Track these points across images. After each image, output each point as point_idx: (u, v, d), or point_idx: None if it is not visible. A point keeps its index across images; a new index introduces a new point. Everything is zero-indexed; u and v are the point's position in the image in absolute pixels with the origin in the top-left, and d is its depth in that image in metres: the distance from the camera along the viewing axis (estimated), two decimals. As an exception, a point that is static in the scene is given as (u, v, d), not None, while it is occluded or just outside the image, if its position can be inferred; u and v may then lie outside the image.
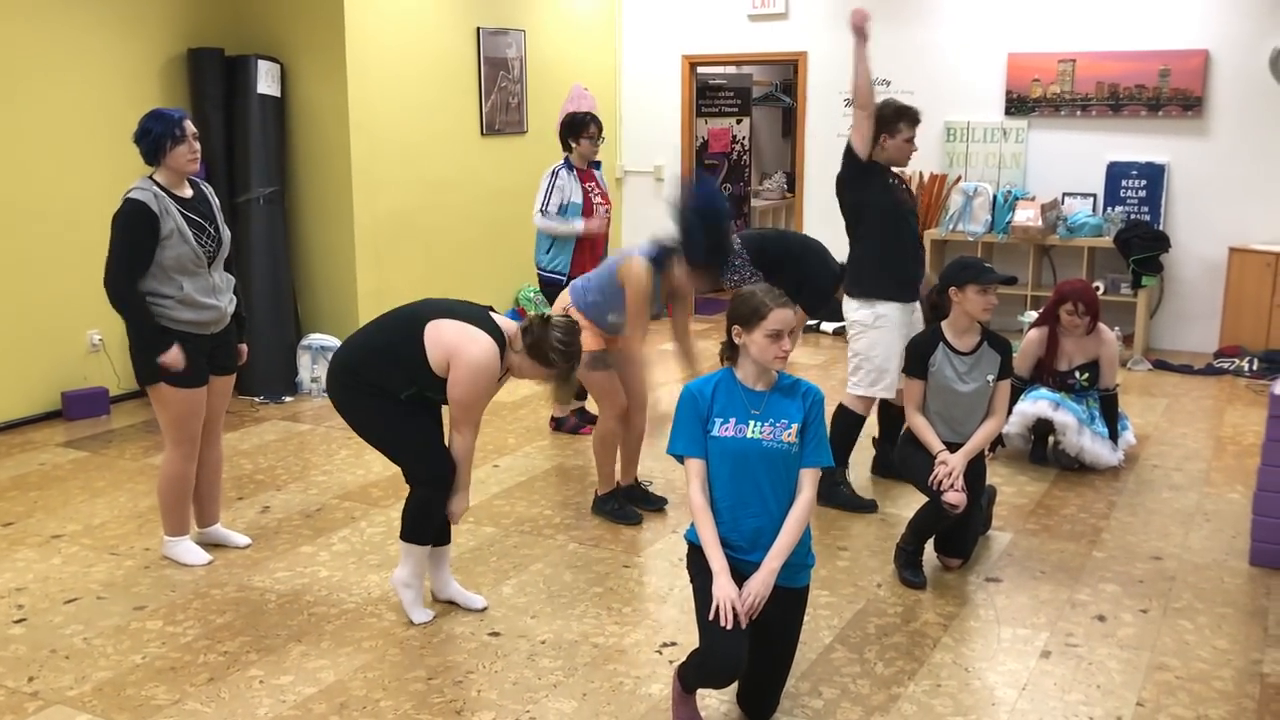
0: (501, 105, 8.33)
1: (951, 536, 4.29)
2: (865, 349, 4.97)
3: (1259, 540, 4.39)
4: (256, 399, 6.80)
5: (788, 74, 11.49)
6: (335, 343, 6.95)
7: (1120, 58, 7.98)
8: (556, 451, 5.89)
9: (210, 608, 4.02)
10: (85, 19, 6.34)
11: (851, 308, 5.06)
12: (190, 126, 4.14)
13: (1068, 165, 8.26)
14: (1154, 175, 7.98)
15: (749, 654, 3.09)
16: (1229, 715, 3.31)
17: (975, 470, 4.24)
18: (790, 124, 11.54)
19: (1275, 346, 7.52)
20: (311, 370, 6.98)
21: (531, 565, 4.40)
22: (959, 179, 8.51)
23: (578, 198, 5.98)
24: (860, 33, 4.79)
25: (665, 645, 3.73)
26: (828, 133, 9.06)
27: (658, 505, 4.98)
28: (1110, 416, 5.53)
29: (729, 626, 2.95)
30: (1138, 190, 8.04)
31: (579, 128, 6.04)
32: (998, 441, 5.60)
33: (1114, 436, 5.52)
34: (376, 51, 7.22)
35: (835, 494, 4.98)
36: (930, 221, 8.49)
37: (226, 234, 4.32)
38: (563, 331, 3.72)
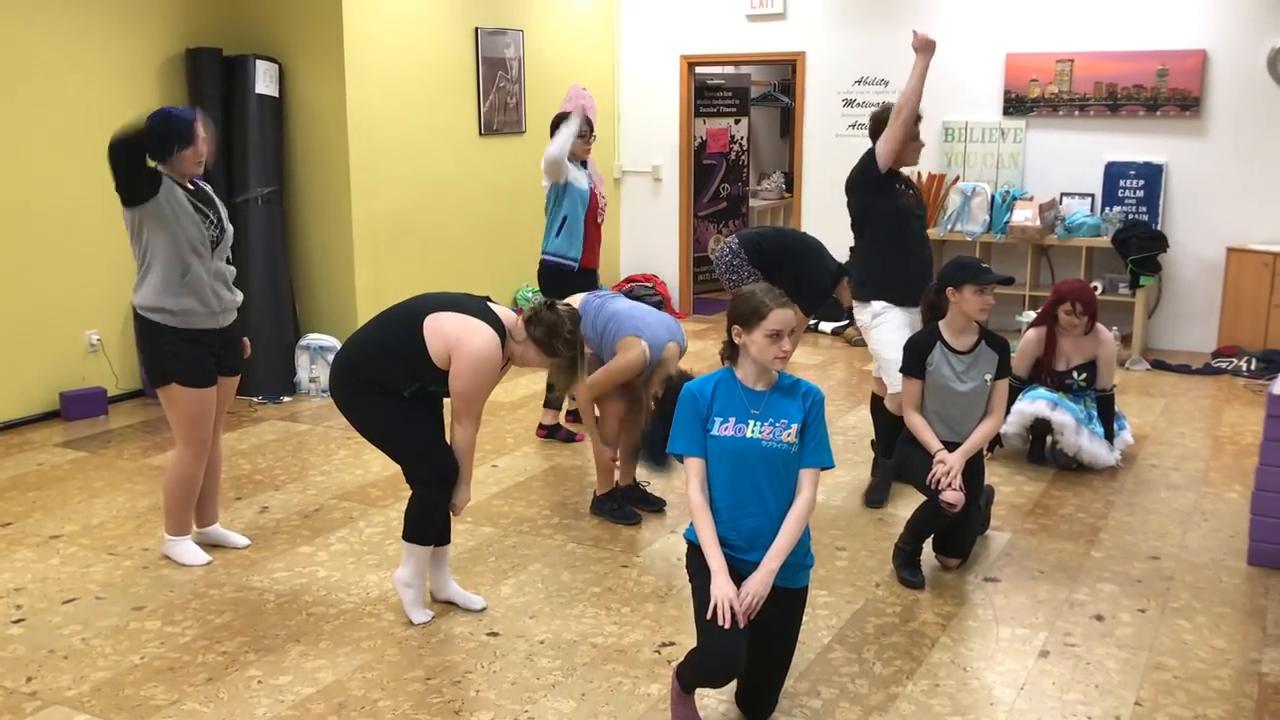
0: (500, 105, 8.33)
1: (950, 536, 4.29)
2: (876, 348, 5.01)
3: (1257, 540, 4.39)
4: (255, 399, 6.79)
5: (786, 74, 11.50)
6: (334, 343, 6.95)
7: (1118, 58, 7.98)
8: (555, 451, 5.89)
9: (209, 608, 4.02)
10: (84, 19, 6.33)
11: (855, 310, 5.15)
12: (200, 129, 4.15)
13: (1066, 165, 8.27)
14: (1152, 175, 7.99)
15: (747, 654, 3.10)
16: (1227, 715, 3.31)
17: (973, 470, 4.24)
18: (788, 124, 11.54)
19: (1273, 346, 7.53)
20: (310, 370, 6.98)
21: (530, 565, 4.40)
22: (957, 179, 8.51)
23: (584, 185, 5.96)
24: (928, 48, 4.80)
25: (664, 645, 3.73)
26: (826, 133, 9.06)
27: (656, 506, 4.98)
28: (1107, 417, 5.54)
29: (726, 626, 2.95)
30: (1136, 190, 8.05)
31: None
32: (996, 441, 5.60)
33: (1110, 437, 5.52)
34: (375, 51, 7.22)
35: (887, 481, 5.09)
36: (928, 222, 8.48)
37: (229, 224, 4.35)
38: (572, 320, 3.74)
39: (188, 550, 4.40)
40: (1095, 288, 7.86)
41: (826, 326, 8.87)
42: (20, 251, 6.19)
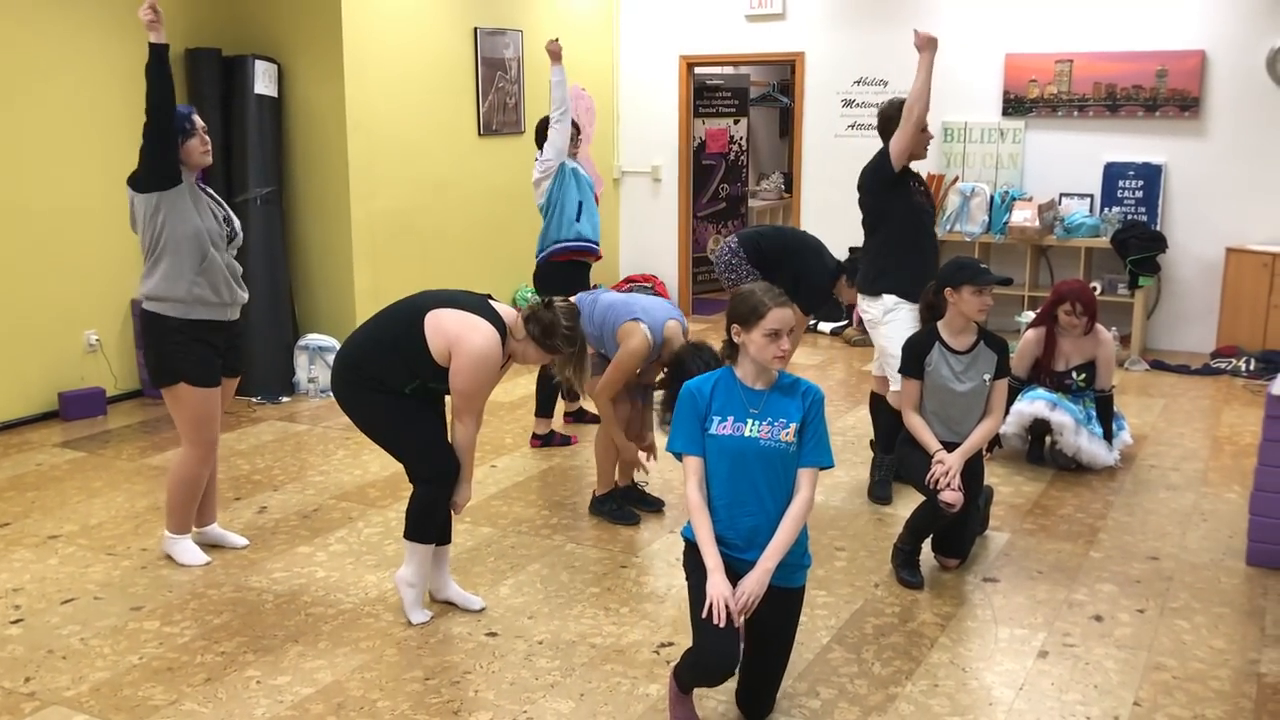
0: (499, 105, 8.33)
1: (949, 536, 4.29)
2: (883, 344, 5.01)
3: (1256, 540, 4.39)
4: (254, 399, 6.79)
5: (785, 74, 11.50)
6: (333, 343, 6.95)
7: (1117, 58, 7.99)
8: (553, 452, 5.89)
9: (207, 608, 4.02)
10: (82, 19, 6.34)
11: (864, 304, 5.14)
12: (199, 121, 4.17)
13: (1065, 166, 8.27)
14: (1151, 176, 7.99)
15: (745, 654, 3.09)
16: (1226, 715, 3.31)
17: (973, 470, 4.24)
18: (788, 124, 11.54)
19: (1272, 346, 7.53)
20: (309, 370, 6.98)
21: (529, 566, 4.40)
22: (956, 179, 8.51)
23: (583, 170, 5.94)
24: (930, 46, 4.84)
25: (663, 645, 3.73)
26: (825, 133, 9.07)
27: (655, 506, 4.97)
28: (1106, 417, 5.54)
29: (722, 625, 2.95)
30: (1135, 191, 8.05)
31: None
32: (995, 441, 5.60)
33: (1109, 437, 5.52)
34: (374, 52, 7.22)
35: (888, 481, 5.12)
36: (929, 222, 8.50)
37: (238, 221, 4.39)
38: (566, 316, 3.73)
39: (188, 550, 4.40)
40: (1094, 288, 7.86)
41: (825, 327, 8.87)
42: (19, 252, 6.19)
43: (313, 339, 7.05)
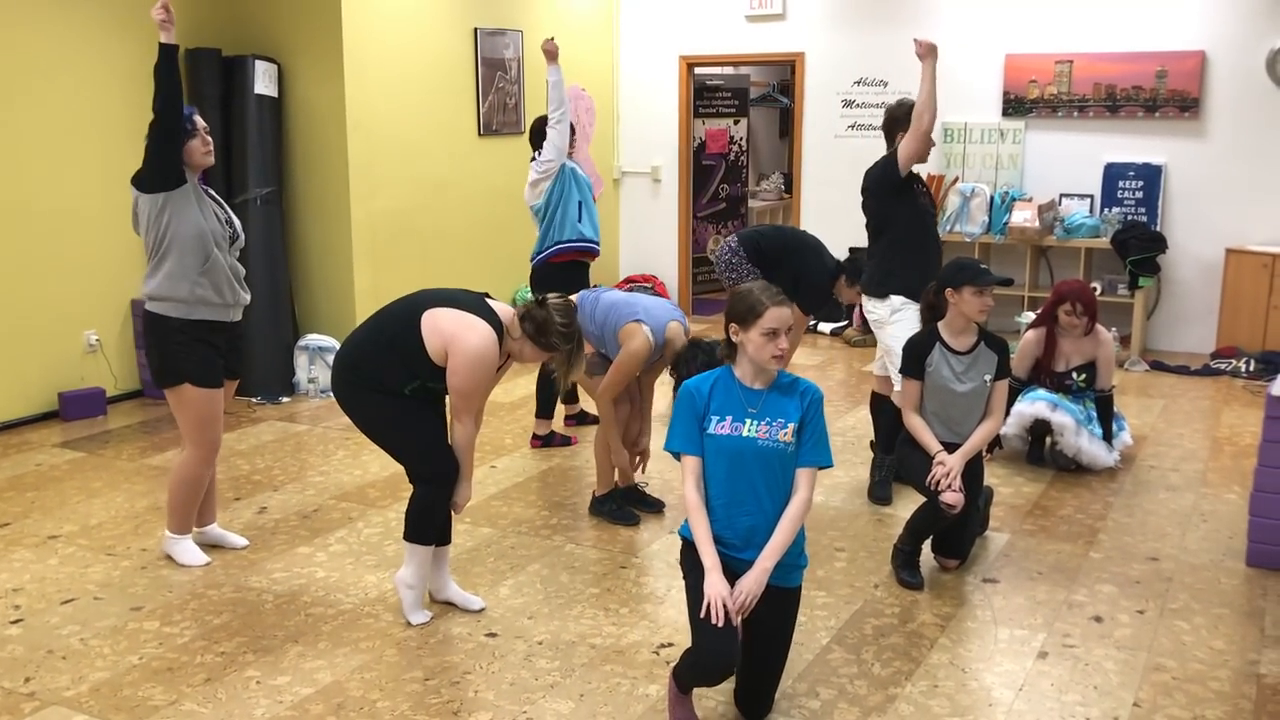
0: (499, 106, 8.33)
1: (949, 537, 4.29)
2: (890, 343, 5.02)
3: (1256, 541, 4.39)
4: (253, 399, 6.79)
5: (785, 75, 11.50)
6: (332, 343, 6.95)
7: (1117, 59, 7.99)
8: (553, 452, 5.89)
9: (207, 608, 4.02)
10: (82, 19, 6.34)
11: (870, 305, 5.17)
12: (200, 121, 4.17)
13: (1065, 166, 8.27)
14: (1151, 176, 7.99)
15: (743, 654, 3.09)
16: (1225, 716, 3.31)
17: (973, 471, 4.24)
18: (788, 124, 11.54)
19: (1272, 347, 7.53)
20: (309, 371, 6.98)
21: (529, 566, 4.40)
22: (956, 180, 8.51)
23: (581, 170, 5.95)
24: (932, 53, 4.87)
25: (662, 646, 3.73)
26: (825, 134, 9.07)
27: (655, 507, 4.97)
28: (1106, 417, 5.54)
29: (719, 624, 2.95)
30: (1135, 191, 8.05)
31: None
32: (996, 443, 5.61)
33: (1109, 437, 5.52)
34: (374, 52, 7.22)
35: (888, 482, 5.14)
36: (928, 222, 8.50)
37: (239, 223, 4.39)
38: (562, 313, 3.72)
39: (188, 550, 4.40)
40: (1094, 288, 7.86)
41: (826, 327, 8.87)
42: (19, 252, 6.19)
43: (313, 339, 7.05)
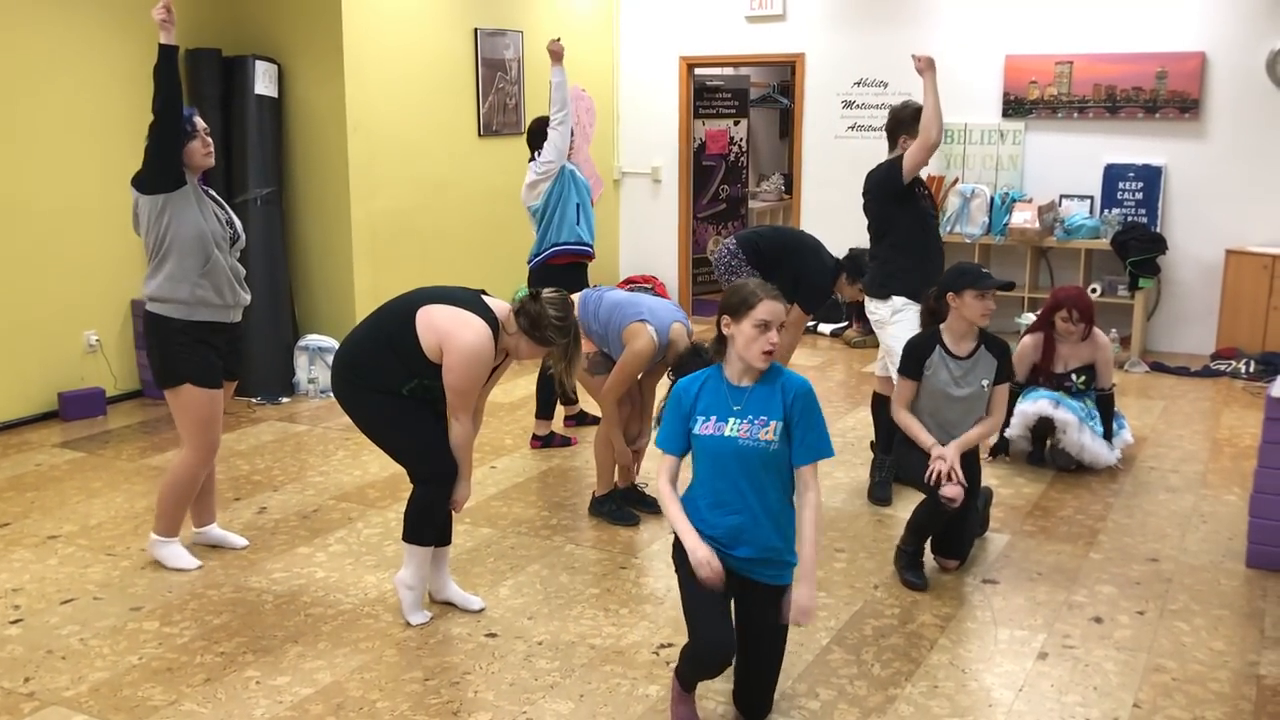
0: (499, 106, 8.33)
1: (948, 537, 4.29)
2: (890, 343, 5.04)
3: (1255, 542, 4.39)
4: (253, 400, 6.79)
5: (785, 75, 11.50)
6: (332, 343, 6.95)
7: (1117, 60, 7.99)
8: (553, 453, 5.89)
9: (207, 608, 4.02)
10: (82, 20, 6.34)
11: (871, 306, 5.20)
12: (200, 122, 4.16)
13: (1065, 167, 8.27)
14: (1151, 177, 7.99)
15: (739, 654, 3.10)
16: (1225, 717, 3.31)
17: (970, 472, 4.24)
18: (788, 125, 11.54)
19: (1272, 348, 7.53)
20: (309, 371, 6.98)
21: (529, 566, 4.40)
22: (956, 181, 8.51)
23: (580, 173, 5.95)
24: (931, 67, 4.91)
25: (662, 646, 3.73)
26: (825, 134, 9.06)
27: (655, 508, 4.96)
28: (1106, 416, 5.54)
29: (709, 577, 2.99)
30: (1135, 192, 8.05)
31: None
32: (1002, 448, 5.63)
33: (1109, 436, 5.53)
34: (374, 52, 7.22)
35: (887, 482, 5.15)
36: (928, 223, 8.50)
37: (240, 224, 4.38)
38: (556, 307, 3.69)
39: (177, 554, 4.36)
40: (1094, 290, 7.87)
41: (825, 328, 8.87)
42: (19, 252, 6.19)
43: (312, 339, 7.05)
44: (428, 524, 3.85)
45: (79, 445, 5.96)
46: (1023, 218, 8.03)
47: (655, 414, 4.86)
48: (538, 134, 5.85)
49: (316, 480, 5.42)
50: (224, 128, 6.91)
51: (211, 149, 4.21)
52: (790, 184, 10.28)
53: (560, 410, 6.26)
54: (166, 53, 4.02)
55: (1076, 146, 8.23)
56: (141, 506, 5.04)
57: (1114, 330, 7.68)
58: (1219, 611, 4.01)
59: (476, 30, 8.04)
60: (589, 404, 6.16)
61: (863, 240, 5.37)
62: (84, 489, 5.29)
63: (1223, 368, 7.53)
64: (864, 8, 8.77)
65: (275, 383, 6.90)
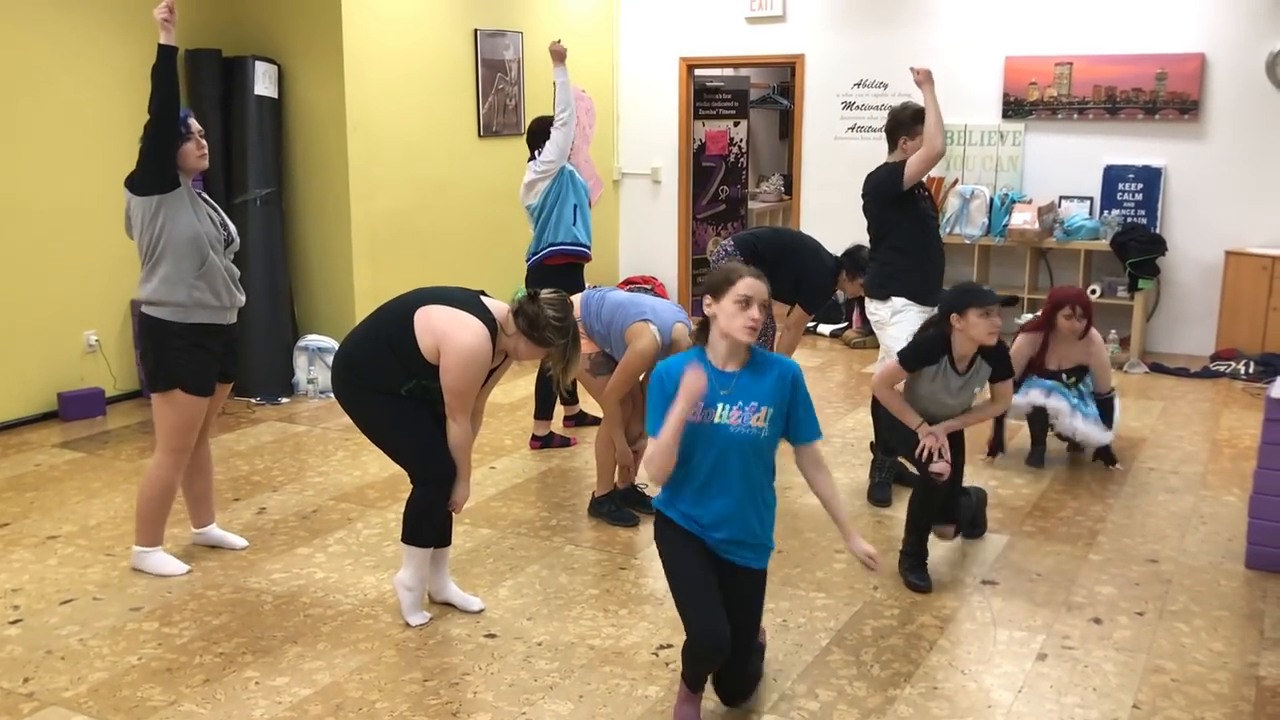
0: (499, 107, 8.33)
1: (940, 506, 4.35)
2: (890, 344, 5.05)
3: (1255, 543, 4.40)
4: (253, 400, 6.79)
5: (785, 76, 11.50)
6: (332, 344, 6.95)
7: (1117, 61, 7.99)
8: (552, 453, 5.89)
9: (206, 609, 4.02)
10: (82, 20, 6.34)
11: (872, 307, 5.22)
12: (195, 124, 4.15)
13: (1065, 168, 8.27)
14: (1150, 178, 7.99)
15: None
16: (1225, 718, 3.31)
17: (956, 444, 4.34)
18: (787, 126, 11.54)
19: (1271, 349, 7.53)
20: (308, 371, 6.98)
21: (528, 567, 4.40)
22: (956, 182, 8.51)
23: (579, 174, 5.95)
24: (929, 80, 4.93)
25: (662, 647, 3.73)
26: (825, 135, 9.07)
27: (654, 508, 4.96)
28: (1107, 418, 5.56)
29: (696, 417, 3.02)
30: (1134, 193, 8.05)
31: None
32: (999, 447, 5.66)
33: (1110, 426, 5.57)
34: (374, 53, 7.22)
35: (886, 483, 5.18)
36: (928, 224, 8.50)
37: (234, 227, 4.36)
38: (555, 308, 3.68)
39: (162, 562, 4.32)
40: (1093, 291, 7.87)
41: (825, 329, 8.87)
42: (19, 252, 6.19)
43: (312, 340, 7.05)
44: (427, 525, 3.85)
45: (78, 445, 5.96)
46: (1022, 219, 8.03)
47: None
48: (537, 134, 5.85)
49: (316, 481, 5.42)
50: (224, 128, 6.91)
51: (206, 151, 4.18)
52: (790, 185, 10.28)
53: (560, 410, 6.26)
54: (166, 53, 4.01)
55: (1076, 148, 8.23)
56: (141, 507, 5.03)
57: (1113, 331, 7.68)
58: (1218, 612, 4.01)
59: (476, 31, 8.05)
60: (589, 404, 6.17)
61: (862, 241, 5.38)
62: (83, 489, 5.29)
63: (1222, 369, 7.53)
64: (864, 9, 8.77)
65: (275, 383, 6.90)
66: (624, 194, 9.93)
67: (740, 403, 3.08)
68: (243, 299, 4.32)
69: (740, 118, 10.52)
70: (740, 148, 10.54)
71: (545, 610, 4.01)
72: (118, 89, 6.47)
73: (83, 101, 6.38)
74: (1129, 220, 7.98)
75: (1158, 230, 7.96)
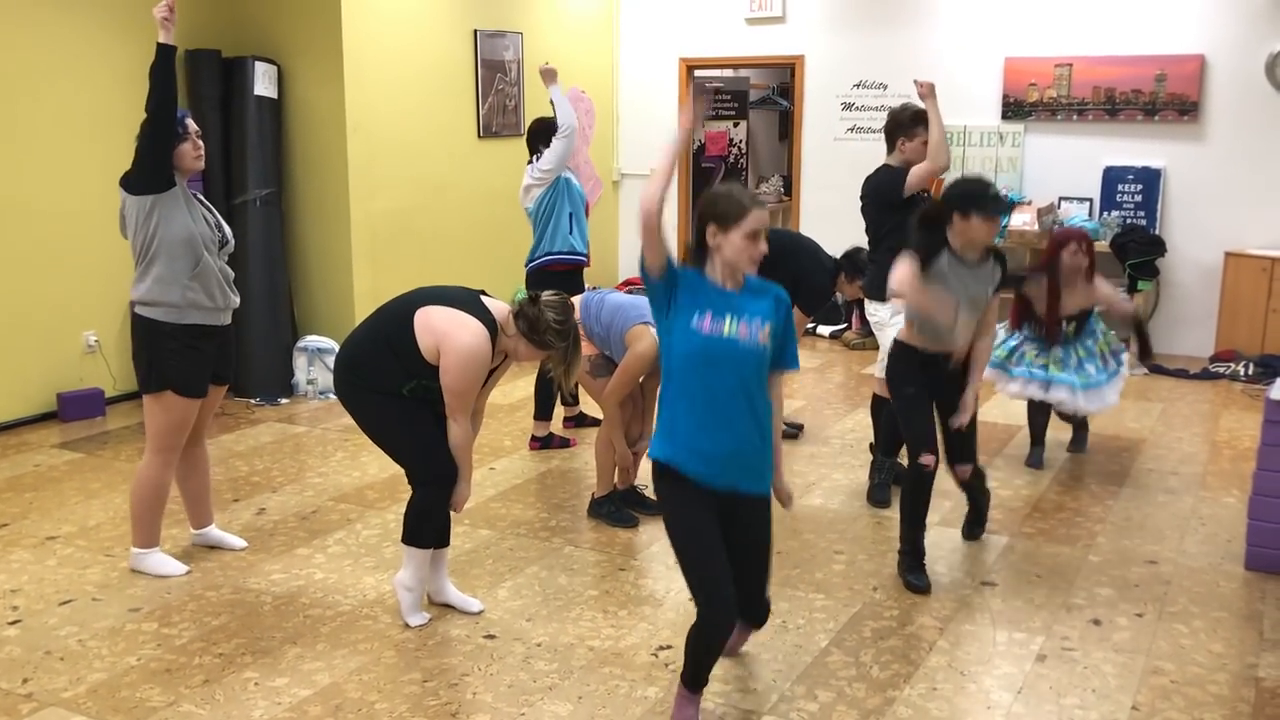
0: (499, 108, 8.34)
1: (952, 445, 4.33)
2: (890, 345, 5.02)
3: (1254, 544, 4.40)
4: (252, 401, 6.79)
5: (785, 77, 11.50)
6: (331, 344, 6.95)
7: (1117, 62, 7.99)
8: (552, 454, 5.89)
9: (205, 610, 4.02)
10: (82, 21, 6.34)
11: (871, 307, 5.23)
12: (192, 124, 4.15)
13: (1064, 169, 8.27)
14: (1150, 180, 8.00)
15: (733, 569, 3.08)
16: (1224, 719, 3.31)
17: (953, 387, 4.31)
18: (787, 127, 11.54)
19: (1270, 351, 7.54)
20: (308, 372, 6.98)
21: (527, 568, 4.40)
22: (956, 183, 8.51)
23: (576, 182, 5.96)
24: (932, 92, 4.90)
25: (661, 648, 3.73)
26: (825, 136, 9.07)
27: (654, 510, 4.97)
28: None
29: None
30: (1134, 195, 8.05)
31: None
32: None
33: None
34: (374, 53, 7.22)
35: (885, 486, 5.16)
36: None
37: (229, 228, 4.35)
38: (555, 310, 3.68)
39: (161, 562, 4.32)
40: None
41: (825, 330, 8.87)
42: (18, 252, 6.19)
43: (312, 340, 7.05)
44: (427, 526, 3.85)
45: (78, 446, 5.96)
46: (1022, 220, 8.03)
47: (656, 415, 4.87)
48: (537, 134, 5.86)
49: (315, 481, 5.42)
50: (223, 129, 6.91)
51: (202, 152, 4.17)
52: (789, 186, 10.29)
53: (559, 411, 6.26)
54: (164, 52, 4.01)
55: (1076, 149, 8.24)
56: (140, 507, 5.03)
57: (1113, 332, 7.67)
58: (1218, 614, 4.01)
59: (476, 32, 8.05)
60: (588, 406, 6.17)
61: (862, 242, 5.38)
62: (83, 490, 5.29)
63: (1222, 370, 7.53)
64: (863, 10, 8.78)
65: (274, 384, 6.90)
66: (624, 195, 9.93)
67: (746, 316, 3.06)
68: (237, 300, 4.31)
69: (740, 118, 10.53)
70: (740, 149, 10.55)
71: (544, 611, 4.01)
72: (117, 89, 6.46)
73: (82, 102, 6.38)
74: (1128, 221, 7.99)
75: (1157, 231, 7.96)
